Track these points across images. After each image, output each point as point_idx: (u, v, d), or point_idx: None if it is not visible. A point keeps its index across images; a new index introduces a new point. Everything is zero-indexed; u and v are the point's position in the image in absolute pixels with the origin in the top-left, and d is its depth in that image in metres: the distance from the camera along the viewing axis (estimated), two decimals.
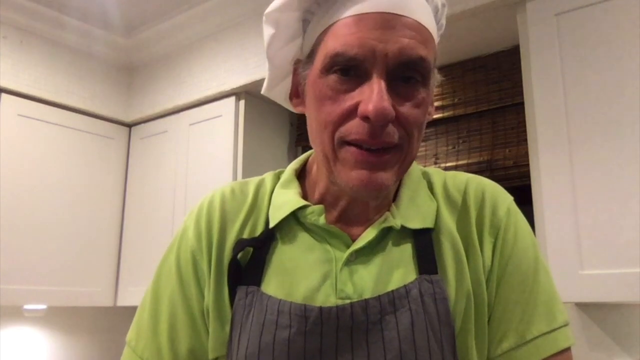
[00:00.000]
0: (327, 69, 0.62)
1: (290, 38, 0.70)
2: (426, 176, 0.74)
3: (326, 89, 0.62)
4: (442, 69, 2.00)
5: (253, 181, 0.76)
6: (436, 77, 0.68)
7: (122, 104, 2.59)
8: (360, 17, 0.60)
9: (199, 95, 2.29)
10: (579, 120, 1.38)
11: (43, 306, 2.29)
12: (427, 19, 0.64)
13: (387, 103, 0.58)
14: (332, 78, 0.61)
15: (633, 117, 1.30)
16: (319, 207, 0.68)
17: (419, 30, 0.61)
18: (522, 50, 1.53)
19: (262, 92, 0.76)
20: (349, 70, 0.60)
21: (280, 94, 0.76)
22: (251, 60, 2.13)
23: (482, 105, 1.87)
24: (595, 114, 1.36)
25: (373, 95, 0.58)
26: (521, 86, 1.54)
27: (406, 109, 0.61)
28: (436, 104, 1.99)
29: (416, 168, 0.74)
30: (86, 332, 2.59)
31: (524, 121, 1.52)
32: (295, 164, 0.76)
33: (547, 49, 1.45)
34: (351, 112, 0.60)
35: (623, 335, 1.50)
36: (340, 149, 0.62)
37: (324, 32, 0.64)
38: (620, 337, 1.50)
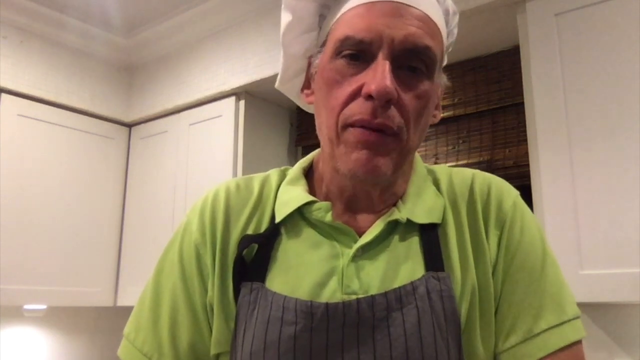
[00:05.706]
0: (337, 53, 0.64)
1: (305, 30, 0.72)
2: (432, 174, 0.74)
3: (334, 74, 0.64)
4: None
5: (258, 177, 0.76)
6: (442, 78, 0.70)
7: (122, 104, 2.59)
8: (370, 5, 0.63)
9: (199, 95, 2.29)
10: (579, 120, 1.38)
11: (43, 306, 2.29)
12: (436, 15, 0.66)
13: (389, 82, 0.60)
14: (341, 62, 0.64)
15: (633, 117, 1.30)
16: (326, 204, 0.68)
17: (427, 21, 0.64)
18: (522, 50, 1.53)
19: (276, 85, 0.79)
20: (358, 55, 0.63)
21: (292, 89, 0.78)
22: (251, 61, 2.13)
23: (482, 105, 1.87)
24: (595, 114, 1.36)
25: (377, 74, 0.60)
26: (521, 86, 1.54)
27: (407, 97, 0.62)
28: None
29: (422, 165, 0.75)
30: (86, 332, 2.59)
31: (524, 121, 1.51)
32: (302, 162, 0.77)
33: (547, 49, 1.45)
34: (356, 94, 0.62)
35: (623, 335, 1.50)
36: (343, 132, 0.63)
37: (336, 21, 0.67)
38: (620, 337, 1.50)
